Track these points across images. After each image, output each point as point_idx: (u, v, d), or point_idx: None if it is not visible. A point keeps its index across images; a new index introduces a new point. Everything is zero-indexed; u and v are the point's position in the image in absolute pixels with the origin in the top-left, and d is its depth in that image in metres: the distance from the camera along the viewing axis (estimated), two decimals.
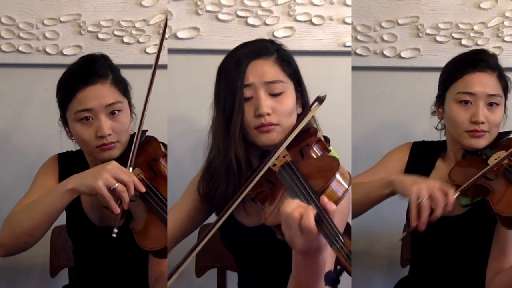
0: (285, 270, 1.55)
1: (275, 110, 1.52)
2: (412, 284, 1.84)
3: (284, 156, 1.46)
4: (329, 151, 1.53)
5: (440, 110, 1.77)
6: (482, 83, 1.67)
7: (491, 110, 1.67)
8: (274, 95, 1.53)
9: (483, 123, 1.65)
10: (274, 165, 1.45)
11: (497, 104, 1.68)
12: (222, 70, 1.58)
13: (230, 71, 1.54)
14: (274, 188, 1.44)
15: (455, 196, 1.56)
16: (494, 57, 1.73)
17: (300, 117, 1.50)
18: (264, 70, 1.54)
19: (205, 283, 2.06)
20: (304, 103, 1.61)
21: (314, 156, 1.49)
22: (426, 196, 1.53)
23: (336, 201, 1.31)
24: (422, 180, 1.58)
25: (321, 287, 1.34)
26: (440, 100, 1.76)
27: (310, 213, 1.23)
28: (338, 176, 1.35)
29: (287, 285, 1.42)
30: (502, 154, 1.63)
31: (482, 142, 1.67)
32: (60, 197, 1.55)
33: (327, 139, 1.55)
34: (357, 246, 2.07)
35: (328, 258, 1.33)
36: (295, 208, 1.25)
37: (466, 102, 1.67)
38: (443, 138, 1.83)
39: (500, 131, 1.73)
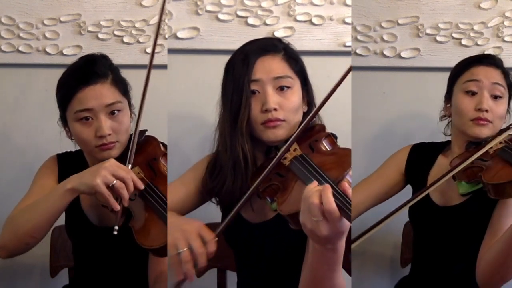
0: (287, 269, 1.55)
1: (282, 106, 1.53)
2: (413, 283, 1.85)
3: (294, 150, 1.47)
4: (338, 146, 1.54)
5: (447, 106, 1.82)
6: (487, 74, 1.74)
7: (495, 102, 1.73)
8: (281, 89, 1.54)
9: (487, 111, 1.71)
10: (285, 158, 1.46)
11: (500, 96, 1.74)
12: (229, 66, 1.58)
13: (237, 67, 1.55)
14: (285, 181, 1.45)
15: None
16: (499, 59, 1.81)
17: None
18: (272, 66, 1.55)
19: (205, 283, 2.06)
20: (309, 102, 1.63)
21: (325, 150, 1.51)
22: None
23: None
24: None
25: (338, 279, 1.34)
26: (448, 96, 1.82)
27: (329, 195, 1.23)
28: None
29: (300, 281, 1.42)
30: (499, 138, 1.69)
31: (485, 131, 1.71)
32: (60, 197, 1.54)
33: (334, 136, 1.56)
34: (357, 246, 2.07)
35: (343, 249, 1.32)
36: (313, 193, 1.25)
37: (472, 93, 1.73)
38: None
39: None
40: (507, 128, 1.76)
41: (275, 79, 1.54)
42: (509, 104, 1.79)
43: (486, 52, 2.16)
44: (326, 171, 1.39)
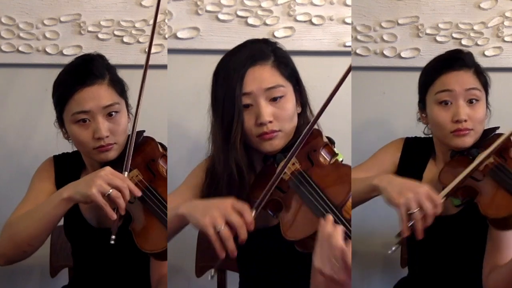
0: (289, 272, 1.54)
1: (276, 117, 1.50)
2: (411, 284, 1.84)
3: (293, 164, 1.44)
4: (336, 154, 1.51)
5: (423, 115, 1.76)
6: (459, 80, 1.65)
7: (471, 107, 1.65)
8: (274, 100, 1.51)
9: (465, 121, 1.63)
10: (284, 172, 1.43)
11: (477, 100, 1.66)
12: (218, 76, 1.55)
13: (227, 79, 1.51)
14: (287, 198, 1.42)
15: (443, 200, 1.52)
16: (469, 55, 1.71)
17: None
18: (263, 77, 1.51)
19: (205, 283, 2.06)
20: (303, 103, 1.60)
21: (324, 162, 1.48)
22: (416, 208, 1.46)
23: None
24: (409, 189, 1.50)
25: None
26: (422, 105, 1.75)
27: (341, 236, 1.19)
28: None
29: None
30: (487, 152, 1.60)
31: (468, 140, 1.64)
32: (56, 206, 1.53)
33: (331, 141, 1.54)
34: (357, 246, 2.07)
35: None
36: (336, 235, 1.20)
37: (446, 102, 1.65)
38: None
39: (485, 128, 1.70)
40: (490, 130, 1.68)
41: (267, 90, 1.50)
42: (487, 100, 1.70)
43: (485, 52, 2.16)
44: (327, 190, 1.35)
